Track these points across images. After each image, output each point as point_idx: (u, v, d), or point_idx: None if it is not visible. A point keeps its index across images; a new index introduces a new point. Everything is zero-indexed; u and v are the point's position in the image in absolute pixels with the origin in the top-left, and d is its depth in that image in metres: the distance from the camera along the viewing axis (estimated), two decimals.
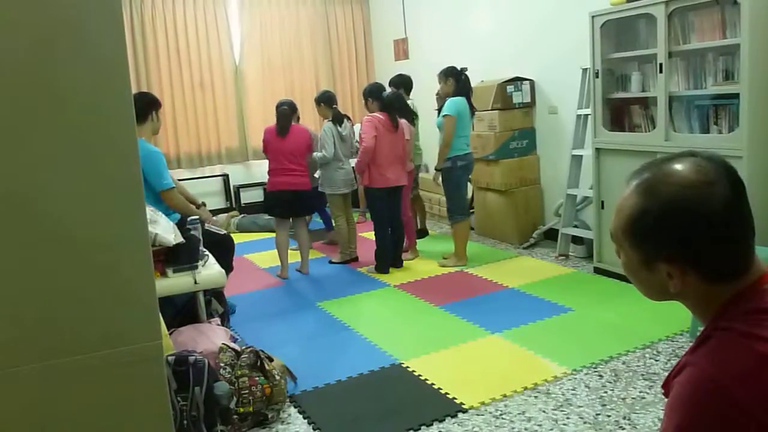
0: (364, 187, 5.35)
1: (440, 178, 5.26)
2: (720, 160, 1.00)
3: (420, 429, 2.84)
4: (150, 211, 3.46)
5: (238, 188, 8.03)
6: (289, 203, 5.23)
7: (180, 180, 7.48)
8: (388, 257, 5.32)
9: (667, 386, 1.01)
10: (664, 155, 1.07)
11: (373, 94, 5.43)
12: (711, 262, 0.98)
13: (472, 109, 5.28)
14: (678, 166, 1.00)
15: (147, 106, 4.05)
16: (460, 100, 5.15)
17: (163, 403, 1.31)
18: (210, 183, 7.97)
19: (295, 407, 3.13)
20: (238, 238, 6.84)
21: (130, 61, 7.32)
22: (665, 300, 1.08)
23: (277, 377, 3.09)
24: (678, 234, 0.97)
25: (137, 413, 1.28)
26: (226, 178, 8.04)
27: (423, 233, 6.62)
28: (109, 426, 1.28)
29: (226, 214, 7.55)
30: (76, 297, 1.22)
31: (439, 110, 5.38)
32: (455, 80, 5.19)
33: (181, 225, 3.81)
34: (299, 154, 5.17)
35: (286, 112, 5.20)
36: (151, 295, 1.27)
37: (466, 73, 5.24)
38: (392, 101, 5.26)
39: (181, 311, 3.62)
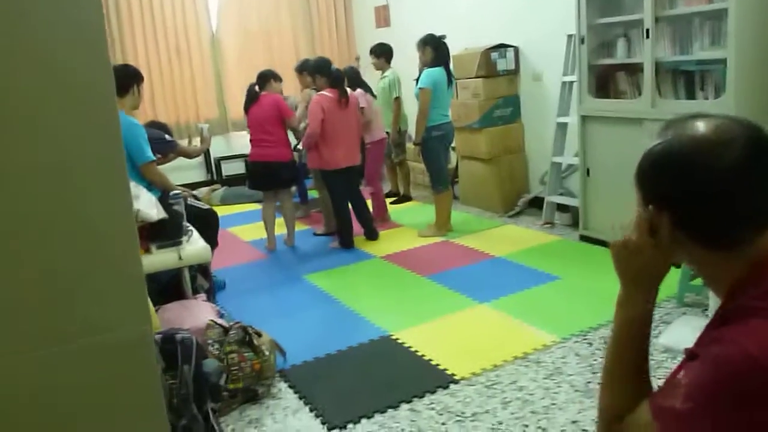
0: (318, 170, 5.23)
1: (419, 151, 5.20)
2: (750, 126, 0.95)
3: (412, 401, 2.83)
4: (131, 186, 3.38)
5: (218, 160, 7.91)
6: (262, 175, 5.15)
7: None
8: (351, 232, 5.24)
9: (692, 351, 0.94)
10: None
11: (320, 69, 5.13)
12: (701, 224, 0.94)
13: (451, 78, 5.18)
14: (701, 122, 0.97)
15: (129, 78, 3.93)
16: (437, 71, 5.05)
17: (154, 392, 1.26)
18: None
19: (285, 382, 3.11)
20: (222, 211, 6.77)
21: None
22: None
23: (266, 353, 3.06)
24: (670, 182, 0.95)
25: (125, 404, 1.23)
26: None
27: (406, 198, 6.62)
28: (95, 418, 1.23)
29: (207, 188, 7.44)
30: (54, 281, 1.15)
31: (418, 80, 5.29)
32: (433, 48, 5.10)
33: (163, 200, 3.73)
34: (268, 123, 5.03)
35: (250, 89, 5.14)
36: (138, 277, 1.21)
37: (445, 41, 5.15)
38: (340, 76, 5.07)
39: (167, 288, 3.57)
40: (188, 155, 5.13)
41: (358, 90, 5.56)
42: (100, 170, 1.19)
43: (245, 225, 6.23)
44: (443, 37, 5.14)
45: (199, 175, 7.88)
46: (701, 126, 0.96)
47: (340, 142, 5.02)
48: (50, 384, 1.18)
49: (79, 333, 1.18)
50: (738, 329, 0.89)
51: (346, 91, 5.02)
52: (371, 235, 5.36)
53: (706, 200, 0.92)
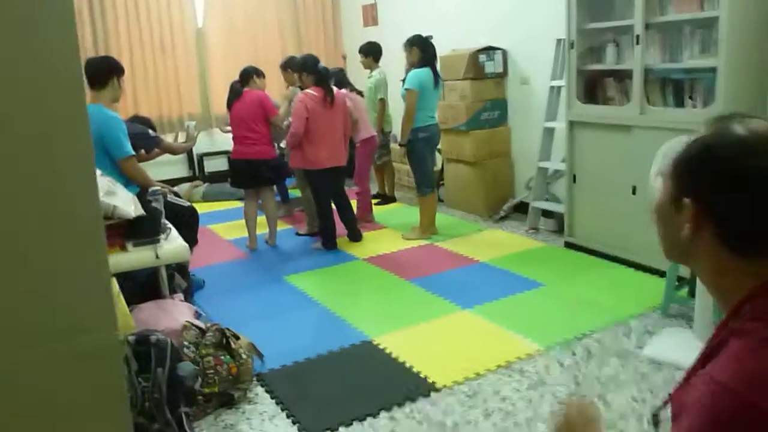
0: (302, 169, 5.14)
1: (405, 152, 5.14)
2: None
3: (392, 409, 2.76)
4: (108, 182, 3.28)
5: (201, 157, 7.79)
6: (244, 173, 5.06)
7: None
8: (334, 233, 5.16)
9: (674, 401, 0.92)
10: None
11: (306, 67, 5.00)
12: (738, 222, 0.88)
13: (438, 80, 5.12)
14: (751, 120, 0.92)
15: (108, 70, 3.83)
16: (423, 72, 4.99)
17: (119, 400, 1.18)
18: None
19: (262, 386, 3.03)
20: (203, 208, 6.67)
21: (87, 20, 6.98)
22: (679, 258, 1.00)
23: (244, 356, 2.97)
24: (713, 171, 0.89)
25: (88, 412, 1.15)
26: None
27: (390, 200, 6.57)
28: (57, 425, 1.15)
29: (188, 184, 7.32)
30: (16, 285, 1.08)
31: (404, 81, 5.23)
32: (420, 49, 5.03)
33: (141, 197, 3.63)
34: (251, 120, 4.95)
35: (233, 85, 5.08)
36: (104, 282, 1.13)
37: (432, 41, 5.09)
38: (327, 74, 4.98)
39: (143, 286, 3.47)
40: (173, 151, 5.04)
41: (343, 90, 5.48)
42: (63, 164, 1.10)
43: (226, 223, 6.13)
44: (430, 37, 5.08)
45: (182, 171, 7.76)
46: (753, 123, 0.91)
47: (325, 142, 4.93)
48: (9, 389, 1.10)
49: (38, 339, 1.10)
50: (721, 361, 0.84)
51: (332, 90, 4.94)
52: (354, 236, 5.28)
53: (749, 198, 0.87)
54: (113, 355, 1.14)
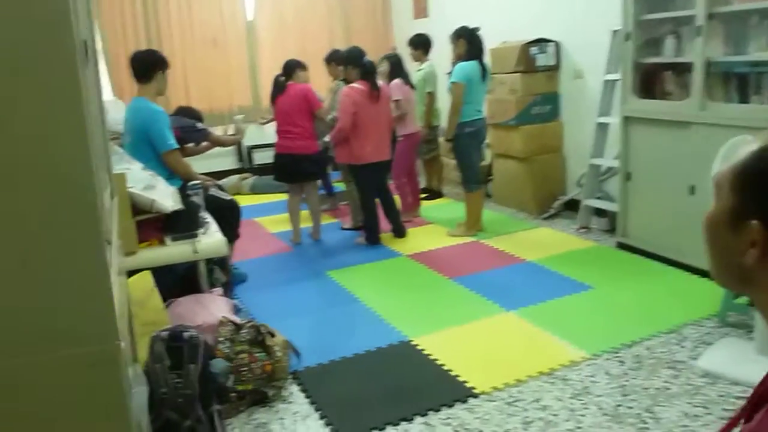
0: (347, 164, 5.08)
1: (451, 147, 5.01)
2: None
3: (427, 414, 2.68)
4: (148, 176, 3.29)
5: (250, 149, 7.83)
6: (288, 168, 5.03)
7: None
8: (377, 228, 5.08)
9: None
10: None
11: (351, 60, 4.95)
12: None
13: (485, 73, 4.97)
14: None
15: (152, 64, 3.84)
16: (470, 65, 4.85)
17: (122, 415, 1.12)
18: None
19: (297, 385, 2.98)
20: (251, 200, 6.73)
21: (140, 15, 7.09)
22: (733, 283, 0.87)
23: (279, 354, 2.93)
24: None
25: (87, 426, 1.10)
26: None
27: (438, 195, 6.46)
28: None
29: (237, 176, 7.36)
30: (11, 290, 1.03)
31: (451, 74, 5.09)
32: (467, 41, 4.89)
33: (182, 190, 3.64)
34: (295, 114, 4.90)
35: (276, 79, 5.03)
36: (105, 291, 1.07)
37: (479, 33, 4.94)
38: (372, 68, 4.88)
39: (183, 279, 3.47)
40: (222, 144, 5.06)
41: (396, 81, 5.37)
42: (60, 170, 1.04)
43: (273, 216, 6.13)
44: (477, 29, 4.93)
45: (231, 163, 7.82)
46: None
47: (370, 137, 4.86)
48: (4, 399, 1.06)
49: (32, 347, 1.05)
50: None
51: (377, 84, 4.86)
52: (399, 232, 5.20)
53: None
54: (112, 365, 1.08)
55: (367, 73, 4.83)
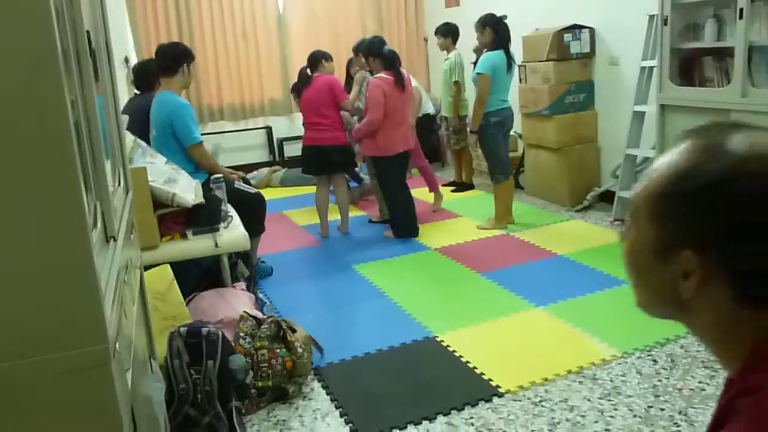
0: (372, 157, 5.00)
1: (476, 139, 4.89)
2: None
3: (450, 413, 2.60)
4: (171, 170, 3.27)
5: (281, 141, 7.82)
6: (315, 160, 4.98)
7: (222, 132, 7.37)
8: (405, 221, 4.98)
9: None
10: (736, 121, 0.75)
11: (372, 50, 4.83)
12: (763, 273, 0.67)
13: (511, 62, 4.82)
14: (758, 131, 0.69)
15: (178, 57, 3.83)
16: (496, 55, 4.72)
17: (113, 421, 1.08)
18: (253, 136, 7.79)
19: (319, 381, 2.94)
20: (281, 193, 6.73)
21: (172, 10, 7.12)
22: (663, 314, 0.79)
23: (300, 350, 2.89)
24: (734, 214, 0.66)
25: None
26: (269, 130, 7.83)
27: (468, 187, 6.35)
28: None
29: (267, 169, 7.36)
30: None
31: (476, 64, 4.96)
32: (493, 30, 4.76)
33: (206, 183, 3.62)
34: (321, 106, 4.84)
35: (302, 71, 4.99)
36: (90, 287, 1.02)
37: (506, 21, 4.80)
38: (395, 57, 4.78)
39: (207, 273, 3.46)
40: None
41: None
42: (37, 149, 0.99)
43: (301, 208, 6.10)
44: (504, 17, 4.79)
45: (261, 156, 7.83)
46: (756, 137, 0.68)
47: (398, 126, 4.79)
48: None
49: (15, 353, 1.01)
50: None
51: (401, 73, 4.78)
52: (414, 232, 5.07)
53: None
54: (100, 369, 1.04)
55: (389, 61, 4.75)
